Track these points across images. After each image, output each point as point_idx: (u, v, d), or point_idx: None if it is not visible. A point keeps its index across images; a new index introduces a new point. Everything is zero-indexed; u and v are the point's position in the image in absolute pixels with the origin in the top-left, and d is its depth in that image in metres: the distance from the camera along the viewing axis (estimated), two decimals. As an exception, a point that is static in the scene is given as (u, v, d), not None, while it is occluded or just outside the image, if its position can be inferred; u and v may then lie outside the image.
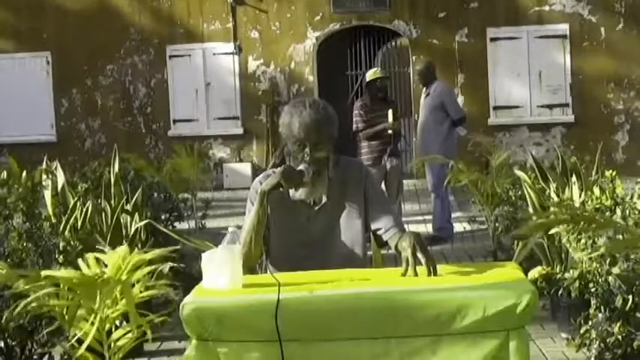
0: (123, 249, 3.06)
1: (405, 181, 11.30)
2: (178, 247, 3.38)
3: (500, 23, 15.19)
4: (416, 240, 3.13)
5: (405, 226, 3.75)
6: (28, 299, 2.87)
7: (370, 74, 9.41)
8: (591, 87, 15.00)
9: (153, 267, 3.04)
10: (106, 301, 2.94)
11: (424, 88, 9.66)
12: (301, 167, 3.40)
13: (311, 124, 3.39)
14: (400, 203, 9.56)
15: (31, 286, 2.88)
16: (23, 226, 5.16)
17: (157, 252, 3.04)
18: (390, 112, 9.10)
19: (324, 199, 3.51)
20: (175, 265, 3.62)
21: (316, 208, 3.51)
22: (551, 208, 5.52)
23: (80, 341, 2.97)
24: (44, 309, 3.05)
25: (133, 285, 3.03)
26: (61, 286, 2.98)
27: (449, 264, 3.19)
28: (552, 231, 5.39)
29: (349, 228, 3.51)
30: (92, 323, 2.98)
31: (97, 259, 3.10)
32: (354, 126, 9.26)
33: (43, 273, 2.95)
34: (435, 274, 3.05)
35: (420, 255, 3.09)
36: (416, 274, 3.05)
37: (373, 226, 3.52)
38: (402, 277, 3.08)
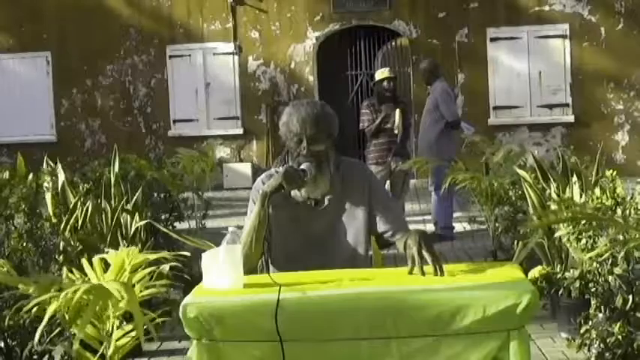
0: (126, 250, 3.07)
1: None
2: (186, 253, 3.38)
3: (501, 23, 15.20)
4: (422, 238, 3.14)
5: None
6: (31, 304, 2.87)
7: (378, 74, 9.49)
8: (591, 87, 15.00)
9: (153, 267, 3.04)
10: (108, 303, 2.94)
11: (429, 87, 9.69)
12: (303, 167, 3.40)
13: (307, 117, 3.44)
14: (404, 202, 9.58)
15: (34, 290, 2.89)
16: (24, 227, 5.16)
17: (162, 254, 3.05)
18: (397, 111, 9.18)
19: (327, 201, 3.51)
20: (176, 265, 3.62)
21: (319, 208, 3.52)
22: (552, 207, 5.54)
23: (81, 341, 2.97)
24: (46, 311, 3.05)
25: (134, 285, 3.03)
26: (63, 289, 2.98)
27: (449, 264, 3.19)
28: (556, 235, 5.40)
29: (352, 228, 3.52)
30: (92, 324, 2.99)
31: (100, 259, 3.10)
32: (360, 125, 9.46)
33: (48, 279, 2.95)
34: (443, 273, 3.04)
35: (426, 254, 3.09)
36: (423, 274, 3.05)
37: (380, 229, 3.52)
38: (401, 277, 3.08)
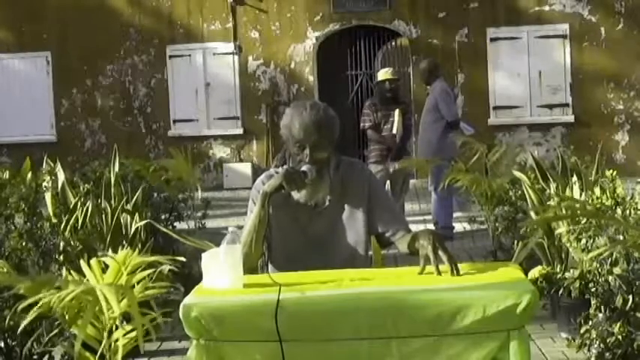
0: (123, 253, 3.07)
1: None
2: (181, 259, 3.36)
3: (500, 23, 15.20)
4: (435, 237, 3.14)
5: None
6: (25, 303, 2.87)
7: (380, 75, 9.49)
8: (591, 87, 15.00)
9: (152, 269, 3.04)
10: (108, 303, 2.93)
11: (428, 87, 9.70)
12: (304, 168, 3.39)
13: (310, 124, 3.38)
14: (404, 202, 9.59)
15: (28, 289, 2.88)
16: (24, 226, 5.16)
17: (157, 258, 3.05)
18: (396, 112, 9.18)
19: (327, 201, 3.51)
20: (175, 266, 3.62)
21: (319, 209, 3.51)
22: (552, 203, 5.54)
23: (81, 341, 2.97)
24: (45, 310, 3.05)
25: (133, 286, 3.03)
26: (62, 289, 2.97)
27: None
28: (556, 232, 5.39)
29: (352, 228, 3.51)
30: (92, 324, 2.98)
31: (98, 261, 3.10)
32: (361, 124, 9.47)
33: (43, 278, 2.95)
34: (459, 272, 3.03)
35: (441, 253, 3.09)
36: (439, 273, 3.04)
37: (380, 229, 3.52)
38: (401, 277, 3.08)
